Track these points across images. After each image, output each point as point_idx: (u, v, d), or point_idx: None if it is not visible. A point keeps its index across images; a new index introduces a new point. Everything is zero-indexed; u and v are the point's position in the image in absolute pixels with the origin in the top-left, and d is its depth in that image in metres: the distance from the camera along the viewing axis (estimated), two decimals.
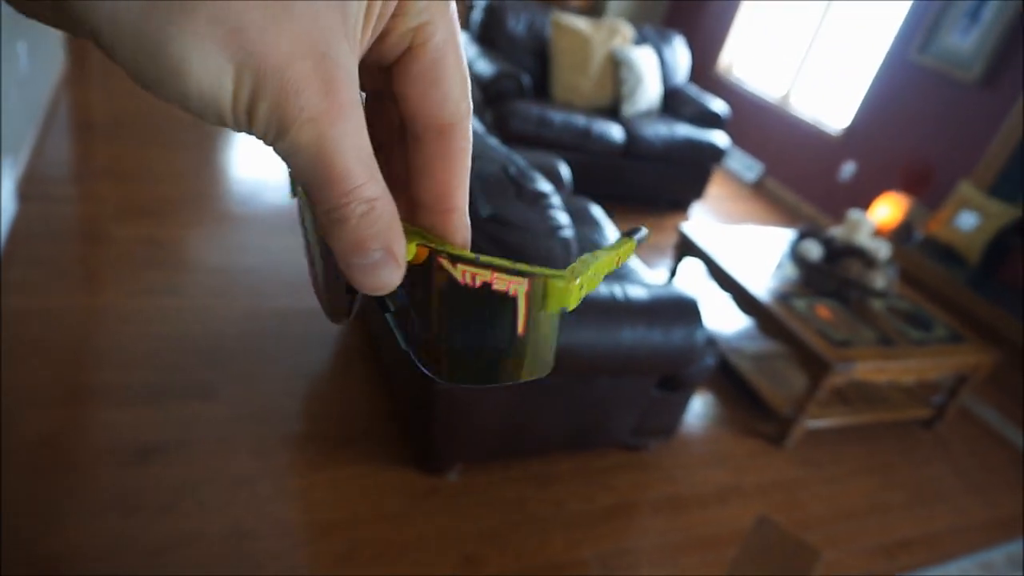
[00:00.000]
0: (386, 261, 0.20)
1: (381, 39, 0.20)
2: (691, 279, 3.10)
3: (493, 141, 1.72)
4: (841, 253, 2.69)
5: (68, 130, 2.93)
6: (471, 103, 0.22)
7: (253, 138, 0.20)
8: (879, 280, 2.60)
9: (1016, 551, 2.22)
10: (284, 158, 0.19)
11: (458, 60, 0.21)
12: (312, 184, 0.19)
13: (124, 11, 0.16)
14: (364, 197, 0.19)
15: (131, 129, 3.12)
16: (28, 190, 2.40)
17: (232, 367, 1.96)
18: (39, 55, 2.81)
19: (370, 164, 0.19)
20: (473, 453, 1.82)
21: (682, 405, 2.02)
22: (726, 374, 2.62)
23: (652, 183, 4.01)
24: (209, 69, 0.17)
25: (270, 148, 0.19)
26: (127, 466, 1.60)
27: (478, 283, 0.24)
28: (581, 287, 0.25)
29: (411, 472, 1.80)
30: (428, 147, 0.22)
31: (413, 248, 0.23)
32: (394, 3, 0.19)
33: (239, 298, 2.23)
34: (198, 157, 3.12)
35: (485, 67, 3.66)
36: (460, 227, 0.24)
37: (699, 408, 2.43)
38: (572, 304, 0.24)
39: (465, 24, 4.30)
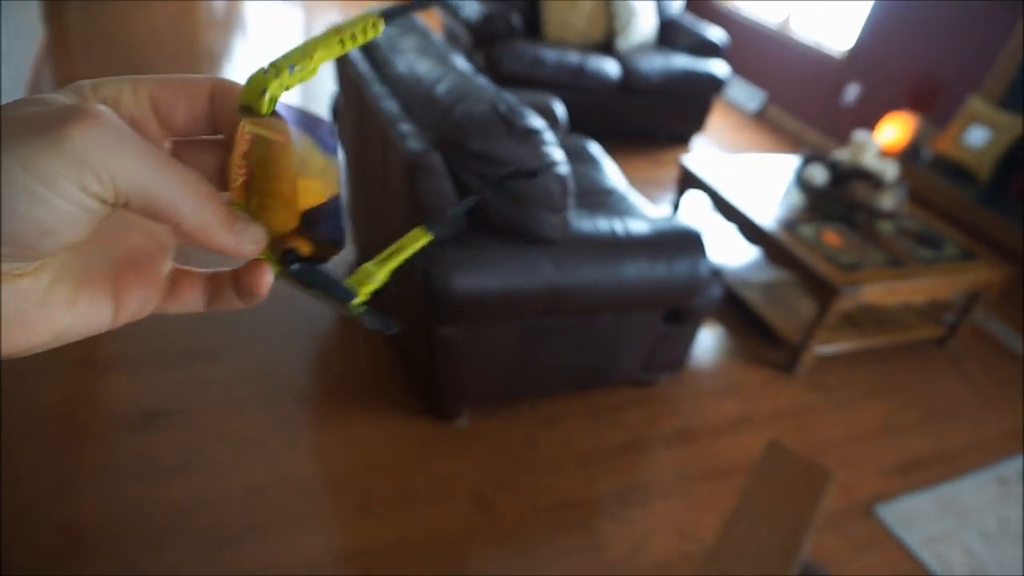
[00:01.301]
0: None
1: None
2: (695, 213, 3.05)
3: (481, 80, 1.67)
4: (847, 176, 2.62)
5: None
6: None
7: None
8: (887, 201, 2.55)
9: None
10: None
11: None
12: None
13: None
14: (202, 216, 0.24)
15: None
16: None
17: (235, 329, 1.95)
18: (14, 30, 2.73)
19: (184, 183, 0.23)
20: (481, 397, 1.82)
21: (690, 338, 2.01)
22: (734, 305, 2.60)
23: (651, 118, 3.92)
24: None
25: None
26: (137, 431, 1.61)
27: None
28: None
29: (421, 421, 1.81)
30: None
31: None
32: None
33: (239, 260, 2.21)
34: None
35: (473, 9, 3.55)
36: None
37: (708, 341, 2.41)
38: None
39: None
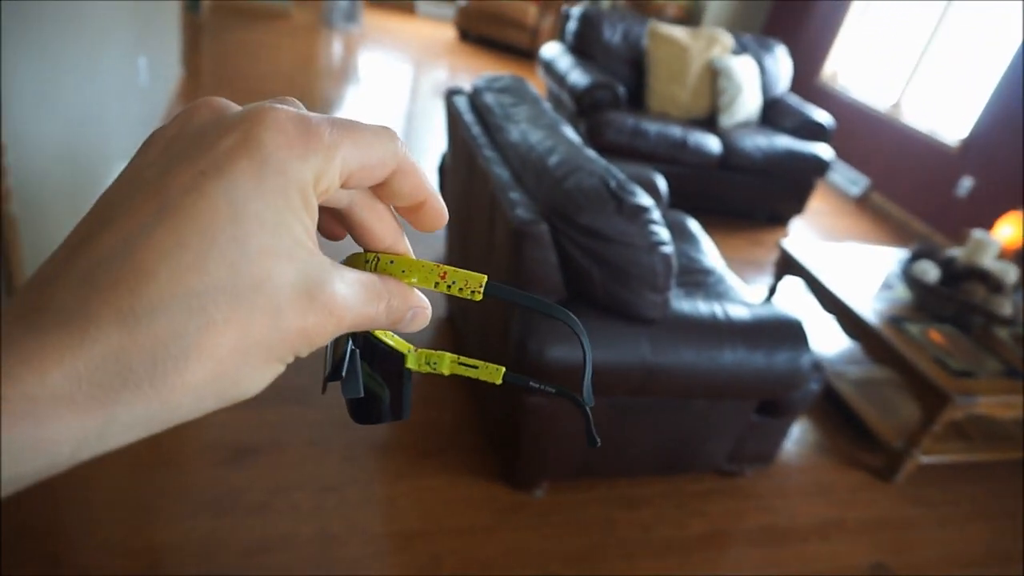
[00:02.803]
0: (415, 314, 0.27)
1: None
2: (790, 298, 2.95)
3: (591, 152, 1.68)
4: (961, 276, 2.49)
5: None
6: (428, 180, 0.27)
7: None
8: (1007, 306, 2.39)
9: None
10: None
11: (406, 172, 0.26)
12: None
13: (206, 395, 0.21)
14: (383, 315, 0.26)
15: None
16: None
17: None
18: (158, 69, 2.97)
19: (373, 295, 0.25)
20: (560, 470, 1.78)
21: (783, 431, 1.91)
22: (828, 399, 2.47)
23: (750, 196, 3.86)
24: (267, 376, 0.24)
25: None
26: (222, 466, 1.65)
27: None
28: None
29: (497, 486, 1.78)
30: (415, 214, 0.28)
31: (420, 280, 0.27)
32: (332, 182, 0.23)
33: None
34: None
35: (579, 77, 3.62)
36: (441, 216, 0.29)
37: (799, 434, 2.30)
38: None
39: (560, 35, 4.28)
